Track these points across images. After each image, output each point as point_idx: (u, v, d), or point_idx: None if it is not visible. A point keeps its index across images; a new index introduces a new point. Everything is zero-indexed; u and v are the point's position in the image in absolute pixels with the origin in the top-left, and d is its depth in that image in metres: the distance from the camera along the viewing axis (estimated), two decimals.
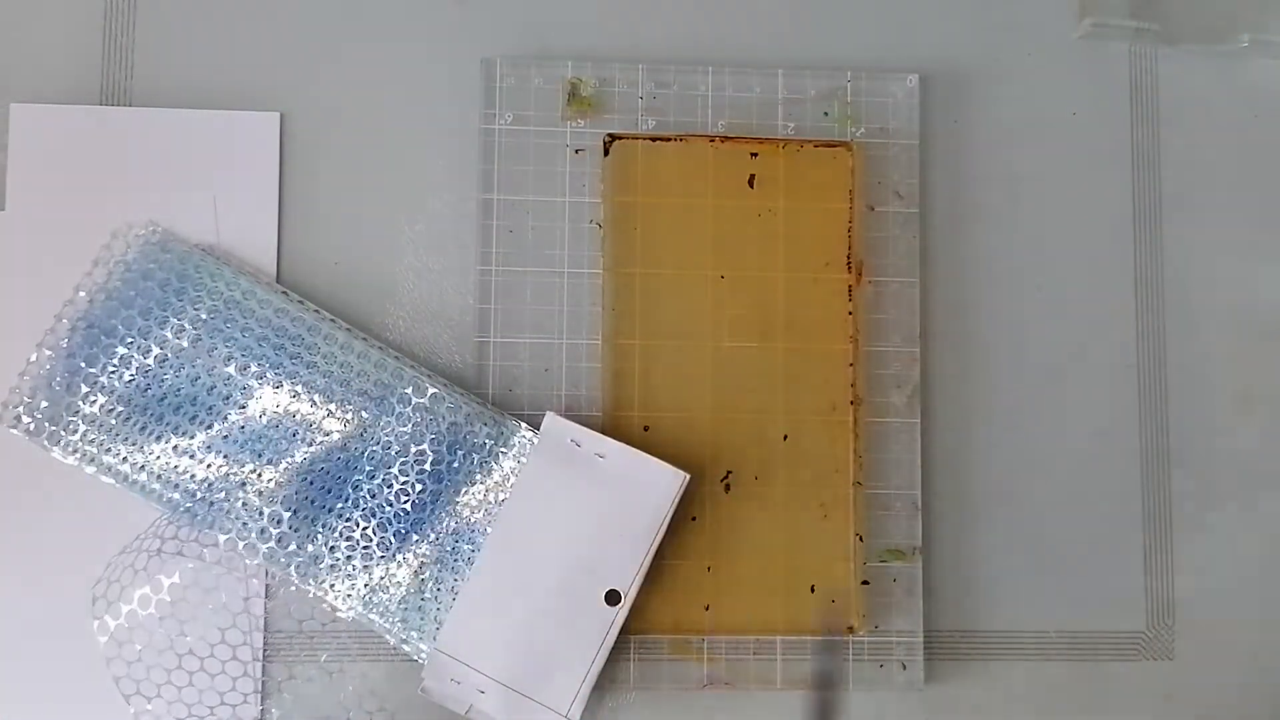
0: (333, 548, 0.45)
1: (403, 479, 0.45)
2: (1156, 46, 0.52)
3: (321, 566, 0.45)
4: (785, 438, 0.48)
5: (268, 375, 0.45)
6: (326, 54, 0.49)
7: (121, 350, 0.45)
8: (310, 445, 0.45)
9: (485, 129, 0.48)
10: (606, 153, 0.48)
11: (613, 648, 0.45)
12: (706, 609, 0.47)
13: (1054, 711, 0.49)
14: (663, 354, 0.47)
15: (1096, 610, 0.49)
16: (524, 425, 0.46)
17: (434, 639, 0.45)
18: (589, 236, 0.48)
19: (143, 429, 0.45)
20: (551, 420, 0.46)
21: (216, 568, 0.45)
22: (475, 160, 0.48)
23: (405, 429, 0.45)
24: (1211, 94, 0.52)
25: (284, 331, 0.46)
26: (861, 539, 0.47)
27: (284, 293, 0.47)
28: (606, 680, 0.46)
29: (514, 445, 0.46)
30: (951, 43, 0.51)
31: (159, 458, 0.45)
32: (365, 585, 0.45)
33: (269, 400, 0.45)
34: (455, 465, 0.46)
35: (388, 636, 0.46)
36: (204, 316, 0.45)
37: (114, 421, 0.45)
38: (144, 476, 0.45)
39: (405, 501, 0.45)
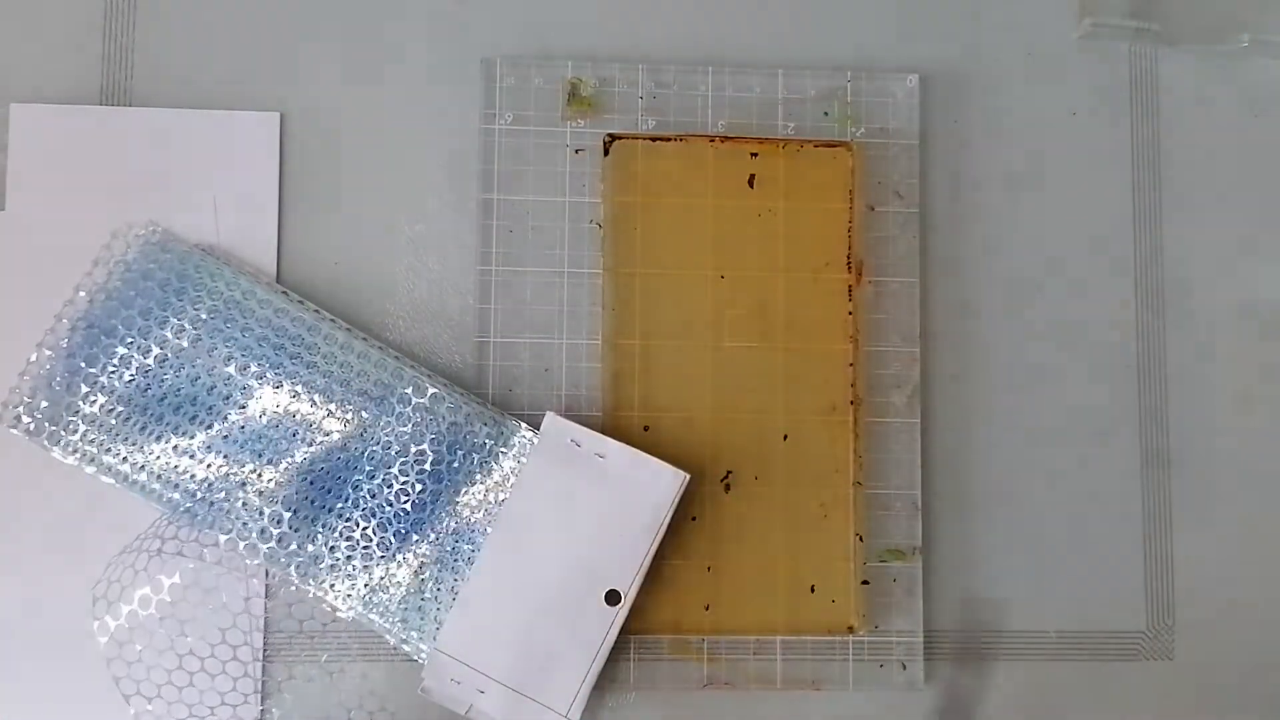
0: (333, 548, 0.45)
1: (403, 479, 0.45)
2: (1156, 46, 0.52)
3: (321, 566, 0.45)
4: (785, 438, 0.48)
5: (268, 375, 0.45)
6: (326, 54, 0.49)
7: (121, 350, 0.45)
8: (310, 445, 0.45)
9: (485, 129, 0.48)
10: (606, 153, 0.48)
11: (613, 648, 0.45)
12: (706, 609, 0.47)
13: (1054, 711, 0.49)
14: (663, 354, 0.47)
15: (1096, 610, 0.49)
16: (524, 425, 0.46)
17: (434, 639, 0.45)
18: (589, 236, 0.48)
19: (143, 429, 0.45)
20: (551, 420, 0.46)
21: (217, 568, 0.45)
22: (475, 160, 0.48)
23: (405, 429, 0.45)
24: (1211, 94, 0.52)
25: (284, 331, 0.46)
26: (861, 539, 0.47)
27: (284, 293, 0.47)
28: (606, 680, 0.46)
29: (514, 445, 0.46)
30: (951, 43, 0.51)
31: (159, 458, 0.45)
32: (365, 585, 0.45)
33: (269, 400, 0.45)
34: (455, 465, 0.46)
35: (388, 636, 0.46)
36: (204, 316, 0.45)
37: (114, 421, 0.45)
38: (144, 476, 0.45)
39: (405, 501, 0.45)
